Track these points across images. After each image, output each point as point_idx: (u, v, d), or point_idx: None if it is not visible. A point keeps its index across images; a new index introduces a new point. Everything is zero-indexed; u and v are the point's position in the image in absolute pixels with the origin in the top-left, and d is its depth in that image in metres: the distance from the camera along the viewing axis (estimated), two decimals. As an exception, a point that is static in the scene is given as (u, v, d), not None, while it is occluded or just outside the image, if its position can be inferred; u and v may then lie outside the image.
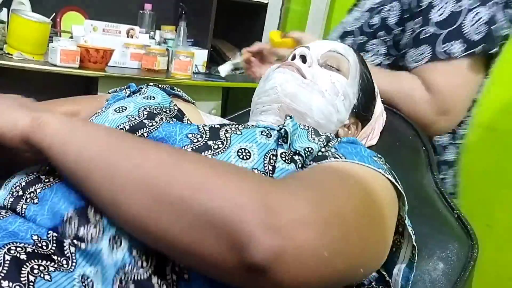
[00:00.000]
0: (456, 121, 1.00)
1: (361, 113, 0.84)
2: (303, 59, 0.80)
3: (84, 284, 0.49)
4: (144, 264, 0.50)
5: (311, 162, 0.61)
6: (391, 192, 0.59)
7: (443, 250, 0.73)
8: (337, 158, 0.59)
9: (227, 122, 0.73)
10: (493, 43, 0.92)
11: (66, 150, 0.52)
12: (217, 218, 0.42)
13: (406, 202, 0.61)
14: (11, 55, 1.78)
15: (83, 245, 0.51)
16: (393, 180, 0.59)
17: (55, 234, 0.52)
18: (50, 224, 0.54)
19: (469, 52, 0.91)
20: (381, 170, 0.59)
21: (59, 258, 0.50)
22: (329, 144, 0.65)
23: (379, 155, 0.65)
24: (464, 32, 0.91)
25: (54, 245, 0.51)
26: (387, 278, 0.63)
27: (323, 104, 0.77)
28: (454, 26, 0.92)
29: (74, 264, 0.50)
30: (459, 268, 0.71)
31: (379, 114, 0.89)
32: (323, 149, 0.63)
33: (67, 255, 0.51)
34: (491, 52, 0.92)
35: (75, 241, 0.51)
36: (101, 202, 0.50)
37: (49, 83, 1.71)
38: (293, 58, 0.82)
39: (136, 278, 0.49)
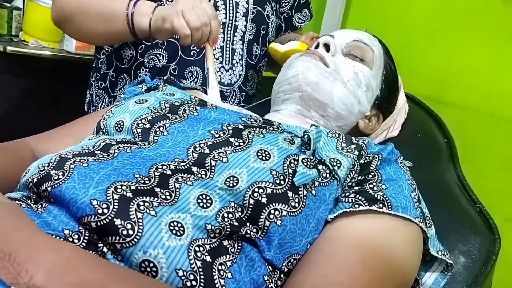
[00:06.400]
0: None
1: (384, 105, 0.82)
2: (327, 47, 0.79)
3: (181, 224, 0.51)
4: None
5: (361, 198, 0.59)
6: (418, 240, 0.60)
7: (464, 244, 0.72)
8: (384, 204, 0.58)
9: (248, 112, 0.72)
10: None
11: None
12: None
13: (431, 236, 0.61)
14: (27, 42, 1.78)
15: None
16: (424, 227, 0.60)
17: (158, 168, 0.56)
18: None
19: None
20: (417, 219, 0.59)
21: (162, 190, 0.53)
22: (372, 164, 0.63)
23: (413, 183, 0.64)
24: None
25: (157, 180, 0.54)
26: (417, 277, 0.63)
27: (345, 94, 0.76)
28: None
29: (177, 196, 0.53)
30: (480, 262, 0.70)
31: (402, 106, 0.87)
32: (371, 182, 0.61)
33: (171, 188, 0.54)
34: None
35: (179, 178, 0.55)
36: None
37: (64, 70, 1.71)
38: (317, 46, 0.80)
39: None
